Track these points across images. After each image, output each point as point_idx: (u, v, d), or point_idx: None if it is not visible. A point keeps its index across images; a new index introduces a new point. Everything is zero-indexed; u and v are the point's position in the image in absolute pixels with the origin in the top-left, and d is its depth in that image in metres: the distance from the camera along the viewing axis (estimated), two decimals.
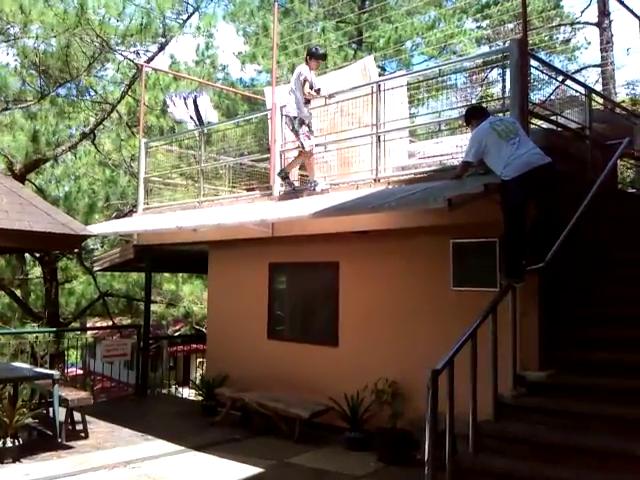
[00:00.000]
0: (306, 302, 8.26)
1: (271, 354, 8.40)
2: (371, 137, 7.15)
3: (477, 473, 4.63)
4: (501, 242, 6.18)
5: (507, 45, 5.99)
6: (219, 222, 7.26)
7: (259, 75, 22.50)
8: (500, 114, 6.01)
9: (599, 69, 19.52)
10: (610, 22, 20.27)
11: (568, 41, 24.60)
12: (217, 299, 9.68)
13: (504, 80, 6.16)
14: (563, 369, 5.37)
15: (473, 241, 6.50)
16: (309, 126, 7.60)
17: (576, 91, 6.88)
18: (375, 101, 7.04)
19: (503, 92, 6.25)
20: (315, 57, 7.68)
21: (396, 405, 6.74)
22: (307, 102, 7.61)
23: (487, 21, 22.20)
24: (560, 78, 7.49)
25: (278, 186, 8.10)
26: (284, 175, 7.83)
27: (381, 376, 6.89)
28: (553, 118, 6.55)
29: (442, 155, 6.86)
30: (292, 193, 7.78)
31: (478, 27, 22.88)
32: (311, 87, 7.53)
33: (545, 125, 6.40)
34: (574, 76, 7.28)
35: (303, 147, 7.46)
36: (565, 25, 23.51)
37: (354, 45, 20.39)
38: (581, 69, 22.16)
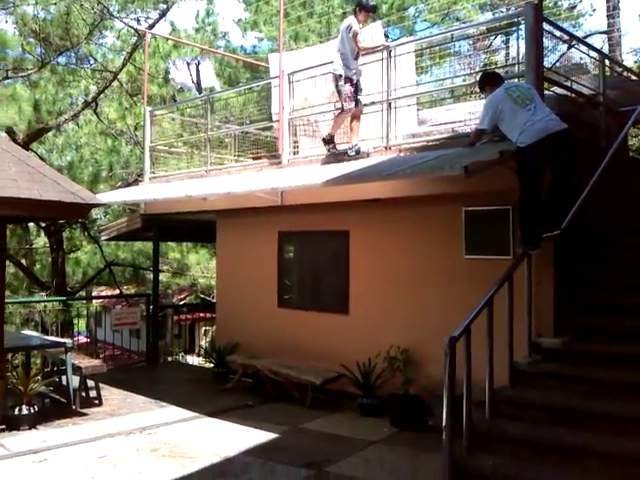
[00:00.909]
0: (316, 270, 8.28)
1: (281, 322, 8.45)
2: (381, 104, 7.08)
3: (494, 438, 4.68)
4: (514, 210, 6.19)
5: (522, 9, 5.87)
6: (229, 191, 7.22)
7: (260, 42, 22.18)
8: (515, 80, 5.91)
9: (604, 36, 19.23)
10: None
11: (573, 7, 24.23)
12: (226, 268, 9.70)
13: (518, 44, 6.02)
14: (578, 336, 5.39)
15: (486, 209, 6.48)
16: (357, 85, 7.16)
17: (590, 57, 6.78)
18: (386, 67, 6.94)
19: (517, 57, 6.11)
20: (365, 9, 7.15)
21: (408, 372, 6.81)
22: (356, 58, 7.17)
23: None
24: (573, 43, 7.36)
25: (287, 154, 8.04)
26: (329, 139, 7.37)
27: (393, 343, 6.95)
28: (567, 84, 6.45)
29: (454, 122, 6.80)
30: (333, 157, 7.38)
31: None
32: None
33: (559, 91, 6.30)
34: (587, 42, 7.11)
35: (342, 109, 7.07)
36: None
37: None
38: (587, 36, 21.79)
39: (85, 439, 6.28)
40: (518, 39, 6.07)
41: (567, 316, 5.59)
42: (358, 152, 7.05)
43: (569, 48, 7.18)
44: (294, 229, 8.47)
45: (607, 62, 7.26)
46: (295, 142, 8.32)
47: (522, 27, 5.84)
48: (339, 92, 7.09)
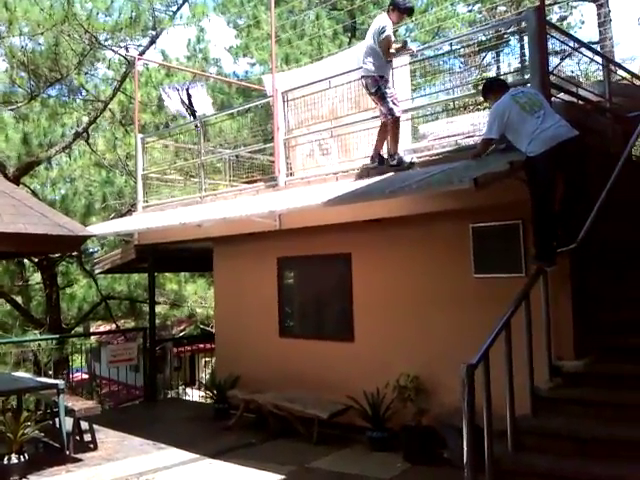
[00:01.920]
0: (318, 297, 7.90)
1: (284, 353, 8.05)
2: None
3: (519, 474, 4.30)
4: (524, 224, 5.86)
5: (524, 14, 5.61)
6: (225, 216, 6.90)
7: (252, 68, 22.15)
8: (520, 87, 5.61)
9: (597, 46, 19.11)
10: None
11: (564, 19, 24.28)
12: (224, 297, 9.32)
13: (522, 50, 5.75)
14: (601, 356, 5.02)
15: (494, 224, 6.14)
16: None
17: (594, 61, 6.51)
18: None
19: (522, 63, 5.82)
20: (400, 10, 6.42)
21: (419, 401, 6.40)
22: (388, 62, 6.45)
23: (479, 5, 21.85)
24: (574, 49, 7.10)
25: (283, 176, 7.73)
26: (377, 155, 6.59)
27: (402, 371, 6.55)
28: (573, 90, 6.16)
29: (456, 135, 6.49)
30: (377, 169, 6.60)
31: (469, 11, 22.48)
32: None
33: (566, 98, 6.00)
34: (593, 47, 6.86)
35: (392, 113, 6.23)
36: (561, 2, 23.15)
37: (348, 33, 20.04)
38: (580, 46, 21.76)
39: None
40: (522, 45, 5.77)
41: (588, 335, 5.22)
42: (400, 163, 6.29)
43: (568, 53, 6.94)
44: (294, 254, 8.11)
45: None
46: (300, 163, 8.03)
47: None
48: (382, 96, 6.29)
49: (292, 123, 7.80)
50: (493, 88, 5.47)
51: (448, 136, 6.50)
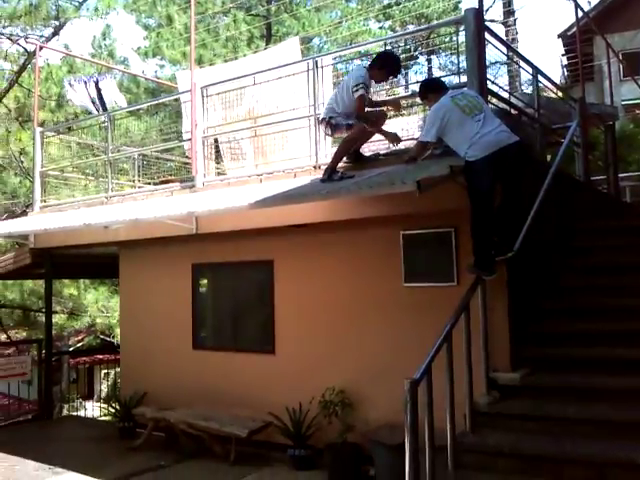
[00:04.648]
0: (237, 306, 7.39)
1: (198, 366, 7.47)
2: (308, 120, 6.45)
3: None
4: (457, 232, 5.69)
5: (462, 14, 5.45)
6: (137, 217, 6.30)
7: (162, 69, 21.31)
8: (459, 89, 5.42)
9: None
10: (515, 20, 20.71)
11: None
12: (131, 307, 8.60)
13: (458, 52, 5.57)
14: (537, 368, 4.90)
15: (426, 232, 5.91)
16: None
17: (525, 70, 6.50)
18: (313, 79, 6.33)
19: (458, 66, 5.67)
20: (389, 68, 5.64)
21: (345, 416, 6.05)
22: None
23: (389, 22, 22.18)
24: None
25: (201, 177, 7.22)
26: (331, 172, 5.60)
27: (327, 385, 6.18)
28: (506, 98, 6.09)
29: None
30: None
31: (380, 27, 22.77)
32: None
33: (500, 106, 5.91)
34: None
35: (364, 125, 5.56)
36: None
37: (264, 38, 19.74)
38: (487, 66, 22.51)
39: None
40: (458, 48, 5.62)
41: (523, 346, 5.09)
42: (341, 179, 5.43)
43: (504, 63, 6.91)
44: (211, 260, 7.58)
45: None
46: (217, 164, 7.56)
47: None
48: (336, 126, 5.69)
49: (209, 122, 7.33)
50: (432, 88, 5.25)
51: (379, 140, 6.22)
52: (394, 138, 5.74)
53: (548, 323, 5.25)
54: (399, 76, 6.47)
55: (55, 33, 14.67)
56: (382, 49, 6.54)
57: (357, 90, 5.40)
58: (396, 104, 6.17)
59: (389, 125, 6.15)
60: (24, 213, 12.03)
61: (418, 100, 5.89)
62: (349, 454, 5.93)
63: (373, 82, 5.74)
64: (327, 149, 6.29)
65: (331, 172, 5.48)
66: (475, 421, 4.56)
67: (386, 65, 5.61)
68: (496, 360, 4.99)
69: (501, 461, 4.20)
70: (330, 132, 5.86)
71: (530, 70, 6.47)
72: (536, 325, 5.23)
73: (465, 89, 5.16)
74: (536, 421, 4.42)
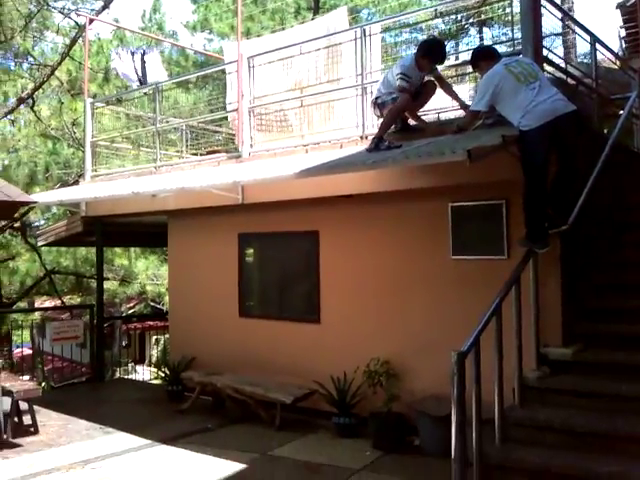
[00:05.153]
0: (282, 276, 7.45)
1: (244, 333, 7.60)
2: (355, 89, 6.37)
3: (508, 469, 4.00)
4: (508, 204, 5.57)
5: None
6: (184, 186, 6.37)
7: (210, 43, 21.31)
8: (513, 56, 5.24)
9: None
10: None
11: None
12: (180, 275, 8.76)
13: (512, 19, 5.38)
14: (589, 344, 4.77)
15: (475, 204, 5.82)
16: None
17: (582, 38, 6.24)
18: (361, 48, 6.23)
19: (512, 33, 5.47)
20: (432, 57, 5.49)
21: (390, 387, 6.08)
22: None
23: None
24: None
25: (247, 147, 7.23)
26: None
27: (371, 355, 6.21)
28: (562, 66, 5.87)
29: (439, 109, 6.09)
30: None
31: None
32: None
33: (556, 75, 5.69)
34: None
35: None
36: None
37: (311, 9, 19.48)
38: (543, 38, 21.76)
39: (16, 478, 5.30)
40: (512, 16, 5.42)
41: (576, 321, 4.97)
42: (389, 148, 5.33)
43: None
44: (257, 230, 7.64)
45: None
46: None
47: None
48: (382, 104, 5.61)
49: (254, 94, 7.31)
50: (484, 56, 5.10)
51: (429, 111, 6.08)
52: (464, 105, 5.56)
53: (600, 299, 5.10)
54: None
55: (105, 6, 14.75)
56: (432, 19, 6.37)
57: (398, 80, 5.42)
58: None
59: (441, 94, 6.01)
60: (76, 183, 12.31)
61: (469, 69, 5.74)
62: (394, 423, 5.96)
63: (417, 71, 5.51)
64: (374, 119, 6.19)
65: (378, 141, 5.41)
66: (524, 396, 4.50)
67: (430, 53, 5.46)
68: (547, 335, 4.88)
69: (550, 436, 4.13)
70: (379, 113, 5.75)
71: (588, 39, 6.21)
72: (588, 301, 5.10)
73: (520, 56, 5.00)
74: (587, 397, 4.32)
